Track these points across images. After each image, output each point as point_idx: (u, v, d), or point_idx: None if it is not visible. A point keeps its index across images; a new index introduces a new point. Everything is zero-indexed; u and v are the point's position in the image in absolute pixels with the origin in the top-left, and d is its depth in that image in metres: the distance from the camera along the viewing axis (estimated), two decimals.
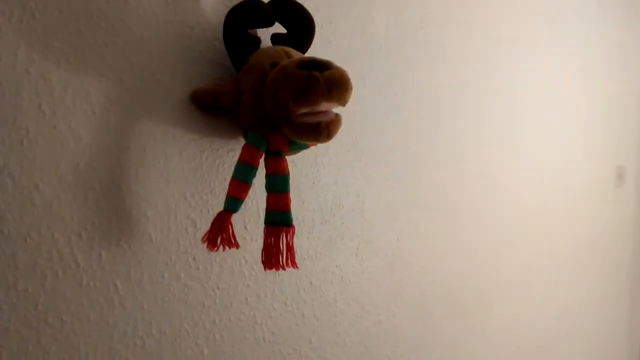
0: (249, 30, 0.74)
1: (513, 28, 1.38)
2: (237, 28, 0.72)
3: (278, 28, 0.78)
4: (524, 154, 1.46)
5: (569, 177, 1.69)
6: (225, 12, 0.76)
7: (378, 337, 1.06)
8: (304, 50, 0.80)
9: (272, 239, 0.71)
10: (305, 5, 0.89)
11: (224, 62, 0.77)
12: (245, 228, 0.84)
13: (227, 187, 0.71)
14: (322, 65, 0.65)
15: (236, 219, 0.81)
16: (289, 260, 0.71)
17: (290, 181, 0.86)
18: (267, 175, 0.72)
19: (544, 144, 1.55)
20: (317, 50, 0.90)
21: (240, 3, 0.72)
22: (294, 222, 0.89)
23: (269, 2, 0.76)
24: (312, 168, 0.92)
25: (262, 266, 0.73)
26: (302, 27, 0.78)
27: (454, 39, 1.20)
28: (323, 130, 0.67)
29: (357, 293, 1.01)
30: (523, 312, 1.52)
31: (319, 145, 0.92)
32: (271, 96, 0.66)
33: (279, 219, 0.71)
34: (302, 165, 0.90)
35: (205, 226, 0.77)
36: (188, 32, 0.74)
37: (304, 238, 0.91)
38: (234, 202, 0.70)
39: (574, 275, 1.78)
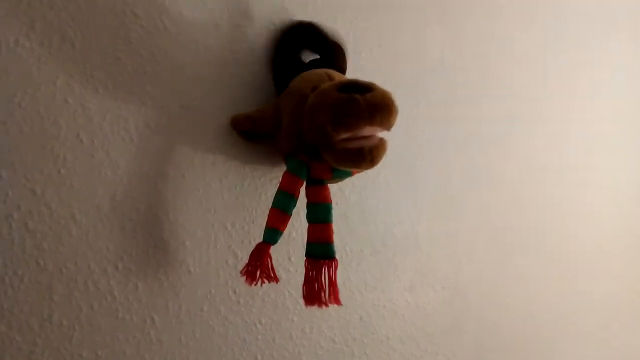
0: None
1: (591, 49, 1.27)
2: (290, 50, 0.70)
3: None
4: (600, 186, 1.32)
5: None
6: (268, 35, 0.74)
7: None
8: (344, 73, 0.76)
9: (314, 272, 0.66)
10: (354, 27, 0.86)
11: (267, 87, 0.75)
12: (290, 259, 0.80)
13: (268, 212, 0.67)
14: (364, 88, 0.60)
15: (280, 250, 0.78)
16: (332, 297, 0.66)
17: (336, 210, 0.83)
18: (308, 205, 0.68)
19: (625, 177, 1.40)
20: (365, 73, 0.86)
21: (297, 24, 0.70)
22: (341, 254, 0.84)
23: (292, 27, 0.74)
24: (361, 195, 0.87)
25: None
26: (330, 51, 0.75)
27: (519, 60, 1.12)
28: (366, 155, 0.62)
29: (411, 330, 0.94)
30: None
31: (369, 171, 0.87)
32: (309, 121, 0.62)
33: (320, 252, 0.66)
34: (350, 192, 0.85)
35: (246, 258, 0.74)
36: (229, 58, 0.72)
37: (352, 270, 0.85)
38: (272, 233, 0.66)
39: None
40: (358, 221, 0.86)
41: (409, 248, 0.93)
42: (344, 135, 0.61)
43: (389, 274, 0.90)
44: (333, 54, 0.74)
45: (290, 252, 0.80)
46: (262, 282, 0.67)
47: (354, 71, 0.83)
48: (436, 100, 0.97)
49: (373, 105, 0.60)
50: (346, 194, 0.85)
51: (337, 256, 0.82)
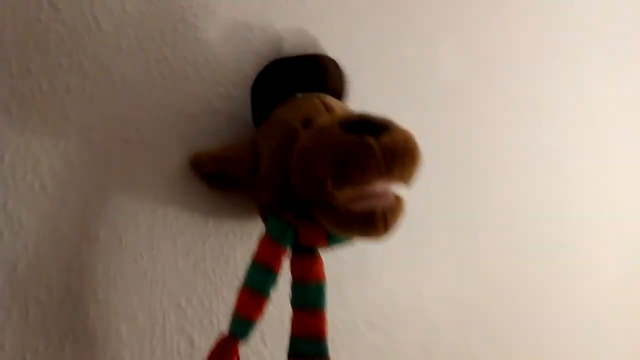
0: None
1: (612, 71, 1.12)
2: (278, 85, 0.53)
3: None
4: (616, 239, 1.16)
5: None
6: (242, 46, 0.56)
7: None
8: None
9: None
10: (353, 46, 0.69)
11: (241, 116, 0.56)
12: (264, 340, 0.60)
13: (237, 291, 0.48)
14: (378, 127, 0.43)
15: None
16: None
17: (327, 275, 0.64)
18: (293, 285, 0.49)
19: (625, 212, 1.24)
20: (367, 102, 0.68)
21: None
22: (331, 333, 0.65)
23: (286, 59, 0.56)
24: (357, 256, 0.68)
25: None
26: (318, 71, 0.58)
27: (541, 84, 0.96)
28: (378, 222, 0.44)
29: None
30: None
31: None
32: (302, 171, 0.44)
33: (309, 351, 0.48)
34: (343, 252, 0.67)
35: (207, 344, 0.55)
36: (189, 74, 0.54)
37: (344, 353, 0.67)
38: (241, 324, 0.47)
39: None
40: (353, 288, 0.68)
41: (413, 318, 0.75)
42: (349, 193, 0.43)
43: (388, 354, 0.72)
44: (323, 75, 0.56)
45: (265, 330, 0.60)
46: None
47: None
48: (445, 135, 0.80)
49: (392, 153, 0.42)
50: (339, 255, 0.66)
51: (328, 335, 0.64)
